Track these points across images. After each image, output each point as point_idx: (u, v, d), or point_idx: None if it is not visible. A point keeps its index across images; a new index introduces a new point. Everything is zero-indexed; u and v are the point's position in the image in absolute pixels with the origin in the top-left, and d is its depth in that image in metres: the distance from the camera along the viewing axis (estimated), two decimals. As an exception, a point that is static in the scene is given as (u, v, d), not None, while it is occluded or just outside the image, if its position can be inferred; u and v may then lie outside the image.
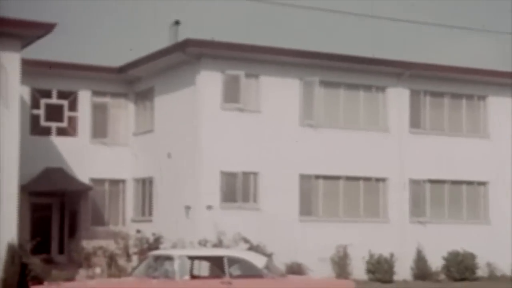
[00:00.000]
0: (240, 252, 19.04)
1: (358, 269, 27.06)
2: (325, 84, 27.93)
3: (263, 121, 26.94)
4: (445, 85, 29.92)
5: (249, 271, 16.41)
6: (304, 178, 27.35)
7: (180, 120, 27.37)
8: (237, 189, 26.39)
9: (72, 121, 29.84)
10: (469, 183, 30.06)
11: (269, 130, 26.97)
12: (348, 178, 28.10)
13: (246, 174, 26.57)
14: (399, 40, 60.71)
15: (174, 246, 24.68)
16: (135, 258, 26.14)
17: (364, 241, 27.31)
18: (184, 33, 28.12)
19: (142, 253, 24.98)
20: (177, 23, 29.64)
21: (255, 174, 26.70)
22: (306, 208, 27.34)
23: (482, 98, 30.67)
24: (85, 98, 29.93)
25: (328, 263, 26.72)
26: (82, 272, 25.51)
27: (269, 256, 22.35)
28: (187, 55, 26.38)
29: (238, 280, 16.12)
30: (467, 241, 28.83)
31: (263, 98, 27.05)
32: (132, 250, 26.45)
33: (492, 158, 30.32)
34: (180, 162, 27.11)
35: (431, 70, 29.46)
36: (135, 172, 29.80)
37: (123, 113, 30.49)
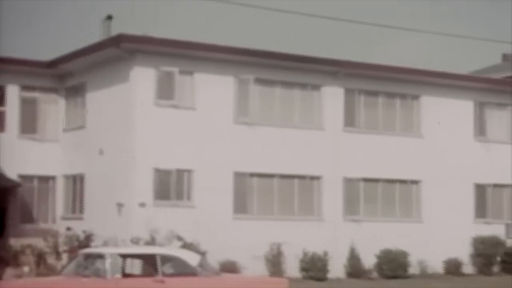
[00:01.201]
0: (173, 250, 18.80)
1: (292, 267, 27.03)
2: (260, 81, 27.82)
3: (198, 118, 26.69)
4: (380, 84, 30.12)
5: (183, 269, 16.23)
6: (238, 176, 27.19)
7: (113, 116, 26.92)
8: (171, 186, 26.09)
9: (0, 116, 29.12)
10: (402, 181, 30.32)
11: (204, 128, 26.74)
12: (283, 176, 28.04)
13: (180, 172, 26.28)
14: (335, 39, 61.13)
15: (105, 244, 24.27)
16: (65, 257, 25.68)
17: (298, 239, 27.29)
18: (118, 29, 27.69)
19: (72, 251, 24.54)
20: (109, 18, 29.17)
21: (189, 171, 26.42)
22: (241, 206, 27.19)
23: (415, 97, 30.96)
24: (13, 93, 29.25)
25: (262, 261, 26.64)
26: (9, 271, 24.87)
27: (202, 254, 22.14)
28: (120, 50, 25.97)
29: (171, 278, 15.92)
30: (400, 239, 29.07)
31: (197, 95, 26.80)
32: (62, 248, 25.99)
33: (425, 157, 30.66)
34: (112, 158, 26.67)
35: (365, 69, 29.61)
36: (65, 169, 29.23)
37: (53, 108, 29.86)
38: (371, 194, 29.66)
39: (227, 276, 18.45)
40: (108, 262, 15.64)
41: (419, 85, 30.82)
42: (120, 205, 25.82)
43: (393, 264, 28.48)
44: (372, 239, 28.65)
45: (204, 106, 26.80)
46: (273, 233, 27.06)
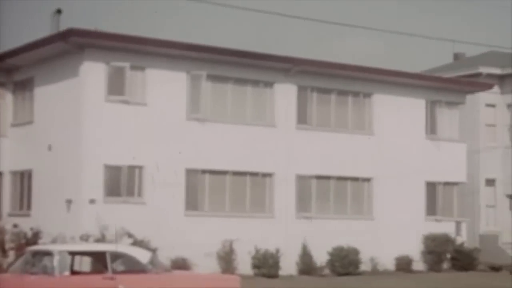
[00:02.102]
0: (123, 247, 18.45)
1: (244, 264, 26.90)
2: (213, 78, 27.61)
3: (149, 114, 26.38)
4: (332, 82, 30.13)
5: (133, 266, 15.99)
6: (190, 172, 26.95)
7: (62, 111, 26.48)
8: (122, 183, 25.74)
9: None
10: (354, 179, 30.40)
11: (155, 124, 26.45)
12: (235, 173, 27.89)
13: (131, 168, 25.95)
14: (288, 36, 61.18)
15: (54, 241, 23.88)
16: (11, 254, 25.17)
17: (250, 236, 27.15)
18: (67, 23, 27.24)
19: (19, 249, 24.10)
20: (59, 12, 28.65)
21: (140, 168, 26.11)
22: (192, 202, 26.96)
23: (368, 95, 31.06)
24: (-42, 87, 28.62)
25: (214, 258, 26.46)
26: (-46, 269, 24.27)
27: (153, 251, 21.94)
28: (69, 45, 25.55)
29: (121, 275, 15.66)
30: (352, 236, 29.14)
31: (149, 91, 26.49)
32: (9, 245, 25.51)
33: (377, 155, 30.77)
34: (61, 154, 26.23)
35: (318, 66, 29.60)
36: (12, 165, 28.65)
37: (1, 103, 29.25)
38: (323, 191, 29.68)
39: (178, 273, 18.29)
40: (56, 260, 15.30)
41: (372, 83, 30.92)
42: (69, 202, 25.41)
43: (345, 261, 28.54)
44: (324, 236, 28.66)
45: (156, 102, 26.50)
46: (225, 230, 26.90)
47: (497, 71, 38.09)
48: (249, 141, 28.10)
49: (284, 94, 29.06)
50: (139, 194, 26.06)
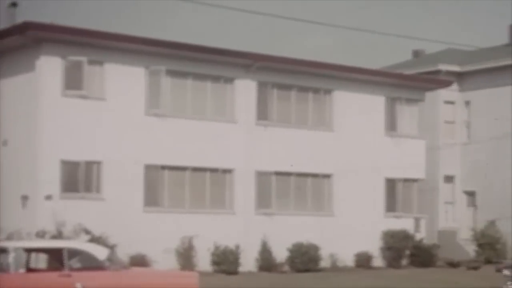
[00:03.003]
0: (80, 243, 18.23)
1: (204, 261, 26.75)
2: (172, 73, 27.39)
3: (108, 109, 26.09)
4: (293, 78, 30.08)
5: (90, 263, 15.73)
6: (149, 168, 26.72)
7: (19, 106, 26.04)
8: (79, 178, 25.42)
9: None
10: (314, 175, 30.39)
11: (114, 119, 26.17)
12: (195, 169, 27.71)
13: (89, 164, 25.63)
14: (249, 32, 61.10)
15: (9, 237, 23.49)
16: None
17: (210, 232, 27.02)
18: (24, 16, 26.79)
19: (-26, 246, 23.54)
20: (14, 4, 28.15)
21: (98, 163, 25.81)
22: (151, 198, 26.75)
23: (328, 91, 31.06)
24: None
25: (173, 255, 26.27)
26: None
27: (111, 247, 21.71)
28: (25, 38, 25.13)
29: (79, 272, 15.40)
30: (312, 232, 29.14)
31: (107, 85, 26.19)
32: (-36, 242, 24.92)
33: (337, 151, 30.80)
34: (17, 150, 25.80)
35: (278, 62, 29.52)
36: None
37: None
38: (283, 187, 29.63)
39: (136, 269, 18.09)
40: (11, 256, 15.01)
41: (332, 79, 30.93)
42: (25, 198, 25.01)
43: (304, 258, 28.51)
44: (284, 232, 28.61)
45: (114, 97, 26.20)
46: (184, 227, 26.73)
47: (456, 68, 38.39)
48: (209, 137, 27.93)
49: (245, 90, 28.94)
50: (97, 190, 25.76)
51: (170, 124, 27.18)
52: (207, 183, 28.01)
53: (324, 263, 29.23)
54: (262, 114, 29.33)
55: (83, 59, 25.55)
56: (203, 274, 22.42)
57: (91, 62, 25.78)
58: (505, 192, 36.08)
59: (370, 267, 30.15)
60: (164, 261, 25.28)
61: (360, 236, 30.39)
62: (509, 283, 21.90)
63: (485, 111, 37.57)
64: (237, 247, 27.21)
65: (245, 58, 28.64)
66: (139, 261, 24.53)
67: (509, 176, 36.19)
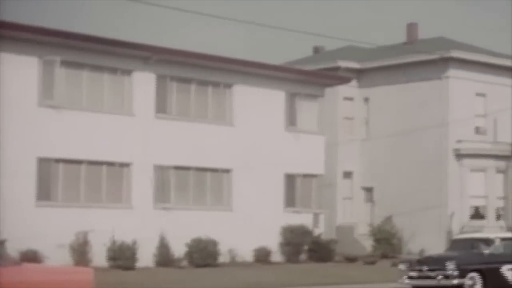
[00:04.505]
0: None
1: (99, 256, 26.16)
2: (67, 64, 26.66)
3: (-1, 101, 25.12)
4: (193, 71, 29.76)
5: (-23, 259, 14.98)
6: (42, 161, 25.93)
7: None
8: (-34, 171, 24.43)
9: None
10: (214, 170, 30.15)
11: (6, 110, 25.20)
12: (91, 163, 27.06)
13: (-23, 156, 24.64)
14: (148, 24, 60.36)
15: None
16: None
17: (106, 227, 26.44)
18: None
19: None
20: None
21: (-12, 156, 24.85)
22: (45, 193, 25.98)
23: (228, 86, 30.86)
24: None
25: (67, 250, 25.57)
26: None
27: (0, 243, 20.83)
28: None
29: (-36, 269, 14.63)
30: (211, 227, 28.90)
31: (0, 76, 25.20)
32: None
33: (236, 146, 30.64)
34: None
35: (178, 56, 29.18)
36: None
37: None
38: (182, 182, 29.28)
39: (27, 266, 17.35)
40: None
41: (233, 74, 30.75)
42: None
43: (203, 253, 28.24)
44: (182, 227, 28.27)
45: (6, 87, 25.26)
46: (79, 221, 26.09)
47: (355, 65, 38.82)
48: (105, 130, 27.33)
49: (143, 83, 28.45)
50: (-14, 184, 24.80)
51: (65, 116, 26.43)
52: (103, 177, 27.39)
53: (223, 258, 29.01)
54: (161, 107, 28.89)
55: (-27, 48, 24.57)
56: (98, 270, 21.83)
57: (-18, 51, 24.83)
58: (401, 188, 36.74)
59: (269, 262, 30.10)
60: (58, 257, 24.56)
61: (259, 231, 30.30)
62: (404, 277, 22.21)
63: (383, 108, 38.15)
64: (134, 242, 26.72)
65: (143, 51, 28.15)
66: (30, 257, 23.73)
67: (406, 173, 36.86)
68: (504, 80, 37.69)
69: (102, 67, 27.58)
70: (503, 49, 41.35)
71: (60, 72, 26.42)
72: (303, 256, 31.64)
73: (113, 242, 26.45)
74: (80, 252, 25.78)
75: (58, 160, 26.33)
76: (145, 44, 28.35)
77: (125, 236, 26.67)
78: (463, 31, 64.15)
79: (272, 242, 30.82)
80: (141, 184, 28.01)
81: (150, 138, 28.40)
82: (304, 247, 31.69)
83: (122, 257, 26.35)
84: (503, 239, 22.89)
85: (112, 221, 26.86)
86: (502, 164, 36.94)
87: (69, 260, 25.39)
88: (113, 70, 27.89)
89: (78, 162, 26.80)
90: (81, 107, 27.00)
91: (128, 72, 28.22)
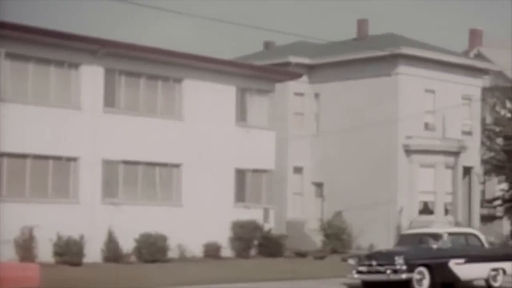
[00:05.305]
0: None
1: (45, 252, 25.76)
2: (13, 56, 26.20)
3: None
4: (142, 65, 29.47)
5: None
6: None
7: None
8: None
9: None
10: (163, 164, 29.90)
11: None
12: (36, 157, 26.61)
13: None
14: (96, 17, 59.73)
15: None
16: None
17: (52, 222, 26.05)
18: None
19: None
20: None
21: None
22: (-13, 187, 25.43)
23: (178, 80, 30.64)
24: None
25: (11, 246, 25.09)
26: None
27: None
28: None
29: None
30: (160, 222, 28.66)
31: None
32: None
33: (186, 141, 30.45)
34: None
35: (127, 49, 28.86)
36: None
37: None
38: (131, 177, 28.99)
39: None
40: None
41: (182, 68, 30.54)
42: None
43: (152, 248, 28.01)
44: (131, 222, 27.97)
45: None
46: (24, 216, 25.63)
47: (305, 61, 38.86)
48: (52, 124, 26.93)
49: (91, 76, 28.08)
50: None
51: (10, 110, 25.92)
52: (49, 172, 26.96)
53: (172, 253, 28.80)
54: (110, 101, 28.55)
55: None
56: (44, 265, 21.62)
57: None
58: (351, 184, 36.88)
59: (219, 258, 29.97)
60: (2, 252, 24.07)
61: (209, 226, 30.13)
62: (353, 272, 22.26)
63: (334, 103, 38.25)
64: (82, 237, 26.37)
65: (91, 44, 27.78)
66: (-27, 253, 23.27)
67: (356, 168, 37.02)
68: (453, 77, 38.08)
69: (49, 60, 27.12)
70: (452, 46, 41.82)
71: (5, 65, 25.91)
72: (253, 251, 31.58)
73: (60, 238, 26.05)
74: (26, 247, 25.33)
75: (2, 155, 25.80)
76: (93, 37, 27.96)
77: (72, 231, 26.29)
78: (413, 28, 64.80)
79: (222, 237, 30.68)
80: (89, 178, 27.64)
81: (98, 132, 28.03)
82: (254, 242, 31.63)
83: (68, 252, 25.98)
84: (451, 234, 23.11)
85: (59, 216, 26.49)
86: (450, 160, 37.33)
87: (14, 256, 24.95)
88: (60, 63, 27.46)
89: (23, 156, 26.31)
90: (27, 100, 26.53)
91: (75, 66, 27.80)
